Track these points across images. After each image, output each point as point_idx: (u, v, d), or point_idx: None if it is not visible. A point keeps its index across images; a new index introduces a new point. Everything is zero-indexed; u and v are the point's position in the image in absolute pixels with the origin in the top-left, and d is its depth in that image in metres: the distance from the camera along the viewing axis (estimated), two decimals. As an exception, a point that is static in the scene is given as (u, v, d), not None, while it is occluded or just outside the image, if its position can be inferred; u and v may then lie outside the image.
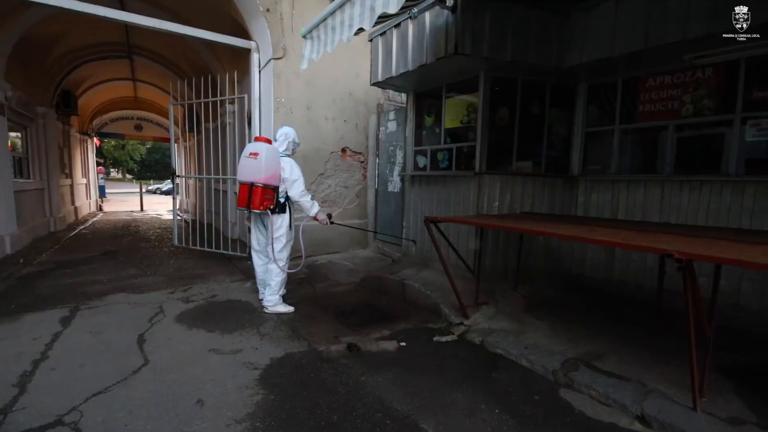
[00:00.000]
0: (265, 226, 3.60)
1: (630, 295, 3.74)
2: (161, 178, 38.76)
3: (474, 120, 4.01)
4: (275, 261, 3.51)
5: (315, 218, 3.65)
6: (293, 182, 3.47)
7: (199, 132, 8.94)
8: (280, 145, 3.55)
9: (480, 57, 3.46)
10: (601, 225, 2.91)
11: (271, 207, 3.41)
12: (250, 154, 3.35)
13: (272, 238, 3.50)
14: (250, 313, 3.55)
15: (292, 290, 4.13)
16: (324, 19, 2.85)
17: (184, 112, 9.61)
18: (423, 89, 4.63)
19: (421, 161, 4.75)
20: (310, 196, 3.59)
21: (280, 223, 3.51)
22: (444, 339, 3.03)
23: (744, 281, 3.08)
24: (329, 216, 3.74)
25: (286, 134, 3.61)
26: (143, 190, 15.54)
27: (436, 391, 2.30)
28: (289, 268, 3.62)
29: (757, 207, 3.06)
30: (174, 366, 2.54)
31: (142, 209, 13.74)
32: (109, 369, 2.48)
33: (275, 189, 3.42)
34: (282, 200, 3.49)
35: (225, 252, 5.44)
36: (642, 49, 3.21)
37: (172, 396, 2.21)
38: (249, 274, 4.73)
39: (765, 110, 3.05)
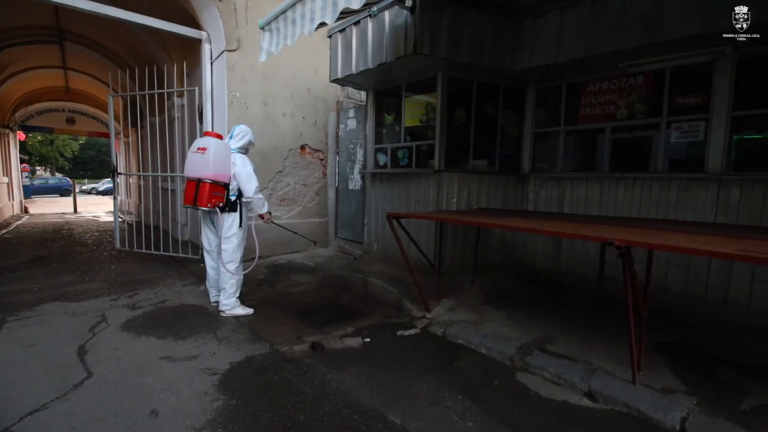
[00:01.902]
0: (215, 225, 3.45)
1: (575, 283, 4.04)
2: (97, 176, 35.67)
3: (432, 119, 4.11)
4: (224, 264, 3.37)
5: (262, 216, 3.57)
6: (248, 176, 3.33)
7: (142, 127, 8.32)
8: (237, 142, 3.43)
9: (438, 58, 3.55)
10: (550, 218, 3.12)
11: (220, 205, 3.27)
12: (198, 149, 3.22)
13: (222, 239, 3.35)
14: (206, 317, 3.38)
15: (251, 291, 3.99)
16: (284, 11, 2.78)
17: (126, 105, 8.90)
18: (383, 87, 4.67)
19: (382, 159, 4.79)
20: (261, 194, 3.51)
21: (231, 222, 3.37)
22: (407, 333, 3.09)
23: (671, 267, 3.46)
24: (269, 213, 3.69)
25: (245, 131, 3.48)
26: (77, 190, 14.18)
27: (401, 384, 2.34)
28: (243, 270, 3.50)
29: (680, 200, 3.44)
30: (122, 377, 2.36)
31: (75, 211, 12.54)
32: (45, 384, 2.25)
33: (225, 186, 3.28)
34: (233, 198, 3.36)
35: (175, 255, 5.12)
36: (583, 56, 3.48)
37: (122, 408, 2.05)
38: (202, 276, 4.47)
39: (686, 115, 3.43)
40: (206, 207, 3.20)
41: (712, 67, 3.23)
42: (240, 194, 3.40)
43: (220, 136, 3.37)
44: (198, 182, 3.19)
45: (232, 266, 3.39)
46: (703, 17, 2.81)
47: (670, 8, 2.95)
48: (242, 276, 3.52)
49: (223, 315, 3.40)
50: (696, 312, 3.21)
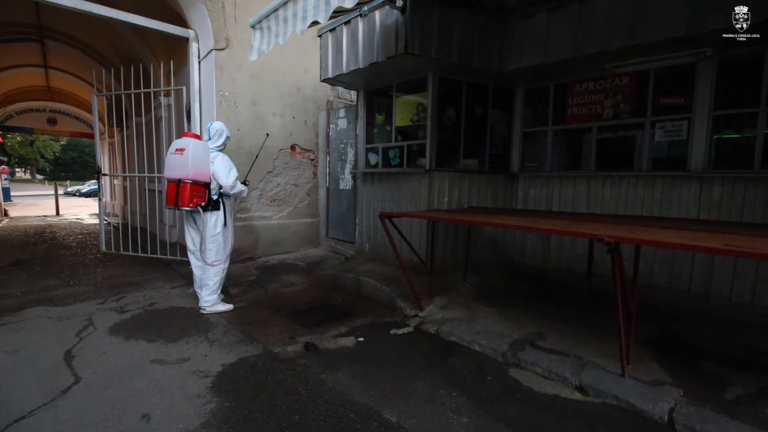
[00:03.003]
0: (198, 225, 3.47)
1: (564, 279, 4.11)
2: (80, 178, 34.87)
3: (423, 119, 4.13)
4: (210, 263, 3.40)
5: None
6: (228, 171, 3.37)
7: (127, 127, 8.17)
8: (215, 141, 3.46)
9: (428, 58, 3.57)
10: (540, 216, 3.17)
11: (203, 204, 3.29)
12: (177, 150, 3.25)
13: (207, 238, 3.38)
14: (196, 319, 3.34)
15: (242, 293, 3.95)
16: (275, 10, 2.76)
17: (110, 105, 8.71)
18: (374, 87, 4.67)
19: (373, 159, 4.79)
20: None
21: (215, 221, 3.40)
22: (401, 331, 3.10)
23: (656, 263, 3.54)
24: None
25: (220, 130, 3.50)
26: (59, 192, 13.83)
27: (396, 382, 2.35)
28: (225, 264, 3.56)
29: (664, 198, 3.53)
30: (111, 381, 2.31)
31: (58, 213, 12.24)
32: (32, 390, 2.19)
33: (206, 185, 3.30)
34: (215, 197, 3.39)
35: (162, 257, 5.03)
36: (570, 57, 3.54)
37: (112, 413, 2.01)
38: (191, 279, 4.39)
39: (669, 114, 3.52)
40: (188, 207, 3.21)
41: (694, 69, 3.32)
42: (221, 193, 3.44)
43: (198, 137, 3.40)
44: (178, 183, 3.21)
45: (219, 265, 3.45)
46: (687, 20, 2.89)
47: (655, 11, 3.03)
48: (225, 274, 3.59)
49: (204, 312, 3.43)
50: (680, 306, 3.29)
